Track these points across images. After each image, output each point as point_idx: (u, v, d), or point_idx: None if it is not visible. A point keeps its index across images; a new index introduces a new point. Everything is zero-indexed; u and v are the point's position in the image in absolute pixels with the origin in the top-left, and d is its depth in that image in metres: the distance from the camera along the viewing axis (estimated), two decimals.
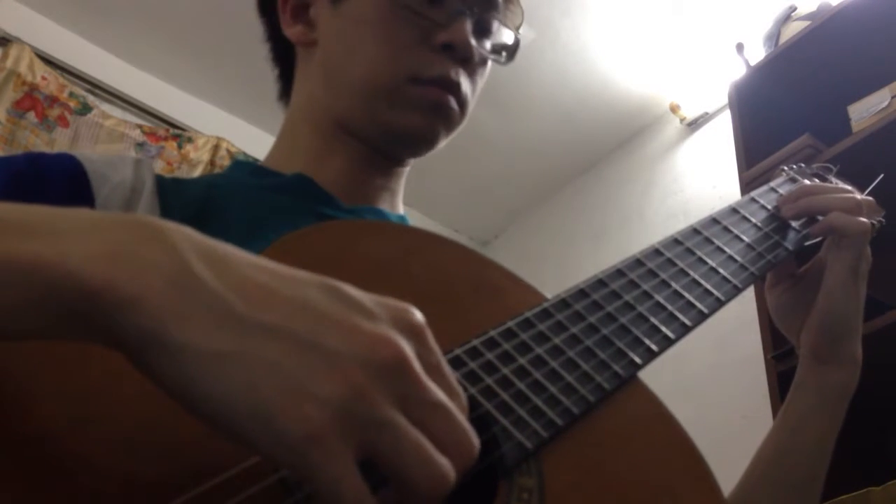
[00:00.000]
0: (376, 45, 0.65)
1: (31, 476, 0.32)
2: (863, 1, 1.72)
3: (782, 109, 1.90)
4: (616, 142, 2.88)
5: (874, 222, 0.70)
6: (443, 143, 0.70)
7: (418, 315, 0.34)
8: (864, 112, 1.64)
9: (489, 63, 0.72)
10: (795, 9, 1.97)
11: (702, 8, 2.36)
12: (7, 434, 0.33)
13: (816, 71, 1.83)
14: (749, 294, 1.71)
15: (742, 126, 1.86)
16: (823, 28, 1.77)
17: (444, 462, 0.31)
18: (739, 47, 2.04)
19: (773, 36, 1.97)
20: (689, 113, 2.62)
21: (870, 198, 0.71)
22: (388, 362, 0.31)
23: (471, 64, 0.67)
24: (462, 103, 0.67)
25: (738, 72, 2.00)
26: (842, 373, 0.67)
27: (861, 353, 0.69)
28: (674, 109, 2.65)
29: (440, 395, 0.32)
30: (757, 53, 2.02)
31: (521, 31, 0.73)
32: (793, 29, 1.90)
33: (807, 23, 1.84)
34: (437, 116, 0.66)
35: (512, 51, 0.73)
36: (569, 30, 2.45)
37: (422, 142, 0.68)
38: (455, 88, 0.66)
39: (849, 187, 0.72)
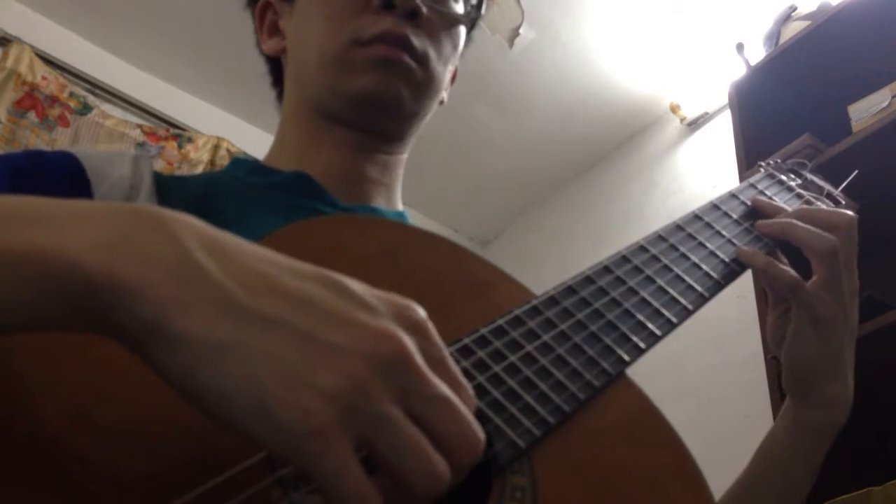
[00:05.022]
0: (321, 22, 0.67)
1: (31, 473, 0.32)
2: (863, 1, 1.71)
3: (782, 109, 1.90)
4: (616, 142, 2.88)
5: None
6: (420, 108, 0.69)
7: (421, 311, 0.34)
8: (864, 112, 1.63)
9: (461, 28, 0.72)
10: (795, 9, 1.96)
11: (702, 7, 2.36)
12: (7, 431, 0.32)
13: (816, 71, 1.83)
14: (749, 294, 1.70)
15: (742, 126, 1.86)
16: (823, 28, 1.77)
17: (441, 461, 0.31)
18: (739, 47, 2.03)
19: (773, 36, 1.97)
20: (690, 113, 2.62)
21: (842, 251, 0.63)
22: (389, 357, 0.30)
23: (422, 20, 0.66)
24: (420, 60, 0.66)
25: (738, 72, 1.99)
26: (815, 413, 0.63)
27: (845, 394, 0.63)
28: (674, 109, 2.65)
29: (444, 388, 0.32)
30: (757, 53, 2.02)
31: (521, 30, 0.72)
32: (793, 29, 1.90)
33: (807, 23, 1.84)
34: (388, 72, 0.65)
35: (477, 6, 0.72)
36: (569, 30, 2.45)
37: (384, 101, 0.66)
38: (403, 42, 0.65)
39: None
